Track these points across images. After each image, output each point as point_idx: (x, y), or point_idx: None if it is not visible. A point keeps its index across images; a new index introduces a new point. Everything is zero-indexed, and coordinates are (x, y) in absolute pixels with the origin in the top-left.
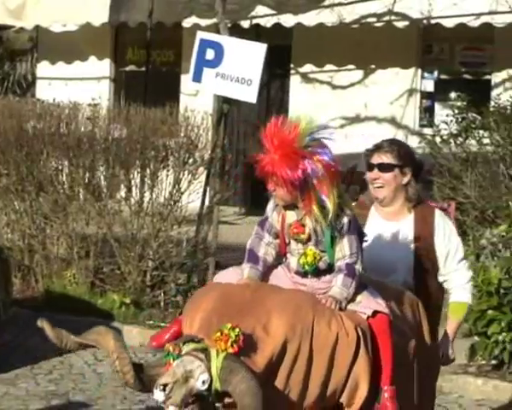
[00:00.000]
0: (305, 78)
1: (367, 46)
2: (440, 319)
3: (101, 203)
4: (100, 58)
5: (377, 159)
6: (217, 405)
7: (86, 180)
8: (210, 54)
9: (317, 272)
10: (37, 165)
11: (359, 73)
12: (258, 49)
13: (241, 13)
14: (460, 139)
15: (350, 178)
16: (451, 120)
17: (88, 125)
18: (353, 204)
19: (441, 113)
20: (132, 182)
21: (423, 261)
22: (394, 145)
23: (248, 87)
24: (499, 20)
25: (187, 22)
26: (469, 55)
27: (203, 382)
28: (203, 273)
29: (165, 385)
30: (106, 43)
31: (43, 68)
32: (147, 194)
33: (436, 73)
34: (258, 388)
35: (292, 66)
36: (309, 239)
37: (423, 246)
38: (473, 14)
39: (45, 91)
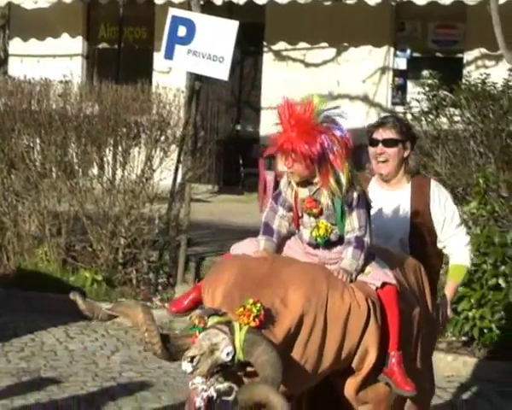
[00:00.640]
0: (278, 55)
1: (340, 24)
2: (438, 283)
3: (73, 181)
4: (72, 35)
5: (382, 134)
6: (239, 374)
7: (58, 158)
8: (182, 31)
9: (329, 244)
10: (9, 142)
11: (332, 51)
12: (230, 27)
13: None
14: (431, 117)
15: None
16: (423, 98)
17: (59, 102)
18: None
19: (413, 90)
20: (104, 159)
21: (420, 229)
22: (397, 121)
23: (220, 64)
24: None
25: None
26: (442, 34)
27: (227, 354)
28: (175, 250)
29: (192, 357)
30: (78, 20)
31: (15, 45)
32: (119, 171)
33: (408, 51)
34: (278, 359)
35: (265, 43)
36: (321, 213)
37: (420, 214)
38: None
39: (17, 68)
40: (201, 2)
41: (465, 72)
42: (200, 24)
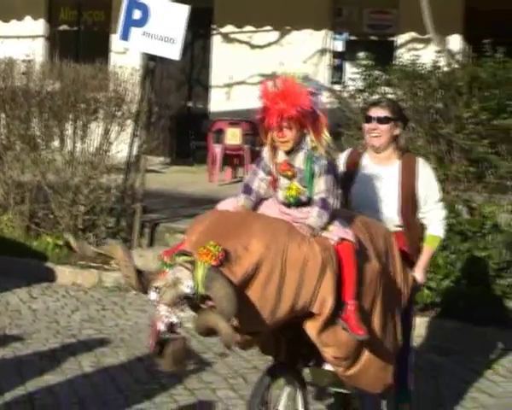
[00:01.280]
0: (226, 38)
1: (283, 9)
2: (420, 247)
3: (36, 153)
4: (34, 18)
5: (376, 112)
6: (202, 306)
7: (22, 131)
8: (137, 14)
9: (299, 204)
10: None
11: (276, 34)
12: (182, 11)
13: None
14: (366, 94)
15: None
16: (359, 77)
17: (23, 79)
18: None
19: (350, 70)
20: (65, 133)
21: (407, 201)
22: (390, 101)
23: (172, 45)
24: None
25: None
26: (376, 19)
27: (188, 287)
28: (131, 217)
29: (157, 288)
30: (40, 3)
31: None
32: (78, 144)
33: (345, 35)
34: (234, 294)
35: (214, 26)
36: (294, 176)
37: (407, 188)
38: None
39: None
40: None
41: (397, 54)
42: (153, 8)
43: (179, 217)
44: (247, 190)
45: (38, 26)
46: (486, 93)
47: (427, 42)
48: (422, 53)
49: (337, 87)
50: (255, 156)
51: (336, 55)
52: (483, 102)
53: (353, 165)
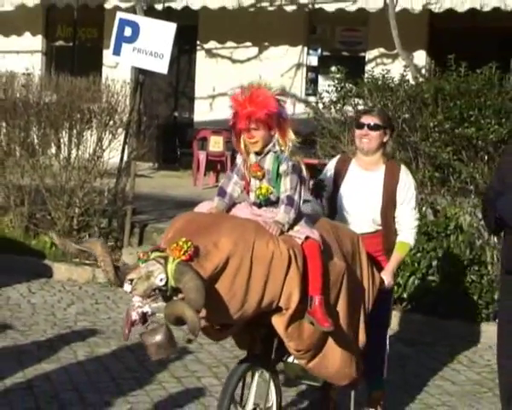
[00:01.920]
0: (209, 53)
1: (261, 27)
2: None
3: (35, 159)
4: (33, 34)
5: (368, 119)
6: (174, 298)
7: (21, 139)
8: (128, 31)
9: (269, 204)
10: None
11: (255, 50)
12: (169, 28)
13: None
14: (339, 105)
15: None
16: (332, 90)
17: (23, 91)
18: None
19: (324, 83)
20: (61, 140)
21: (388, 204)
22: (381, 111)
23: (160, 60)
24: (372, 6)
25: (109, 4)
26: (347, 36)
27: (161, 279)
28: (122, 218)
29: (131, 280)
30: (38, 21)
31: None
32: (74, 151)
33: (319, 51)
34: (202, 287)
35: (198, 43)
36: (263, 177)
37: (389, 192)
38: (350, 0)
39: None
40: (144, 8)
41: (367, 68)
42: (143, 25)
43: (166, 218)
44: (222, 192)
45: (37, 41)
46: (450, 104)
47: (394, 57)
48: (391, 67)
49: (312, 99)
50: None
51: (311, 69)
52: (447, 112)
53: (343, 169)
